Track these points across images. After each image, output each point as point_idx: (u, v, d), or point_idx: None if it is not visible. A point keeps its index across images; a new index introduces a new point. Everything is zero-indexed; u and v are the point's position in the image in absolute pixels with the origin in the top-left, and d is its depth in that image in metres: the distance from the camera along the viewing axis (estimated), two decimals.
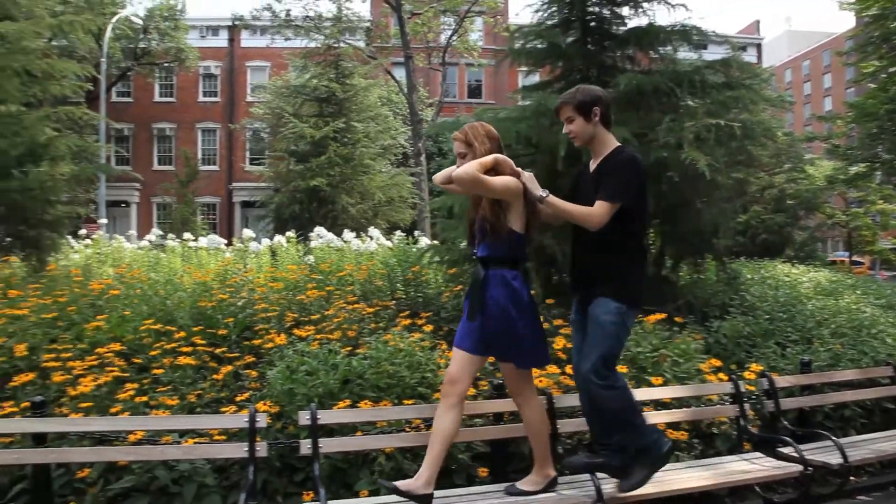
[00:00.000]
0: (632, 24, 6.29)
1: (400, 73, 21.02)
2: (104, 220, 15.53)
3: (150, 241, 9.70)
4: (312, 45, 19.20)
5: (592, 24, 6.27)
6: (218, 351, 4.35)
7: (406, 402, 3.68)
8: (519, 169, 3.27)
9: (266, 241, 8.53)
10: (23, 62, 7.19)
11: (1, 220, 7.20)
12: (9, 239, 7.68)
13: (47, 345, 4.32)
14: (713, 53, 6.76)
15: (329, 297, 5.32)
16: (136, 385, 3.71)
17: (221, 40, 34.47)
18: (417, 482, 3.06)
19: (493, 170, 3.20)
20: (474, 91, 35.26)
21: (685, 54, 6.48)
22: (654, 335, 4.57)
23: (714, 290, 6.34)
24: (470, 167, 3.12)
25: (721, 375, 4.37)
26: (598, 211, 3.17)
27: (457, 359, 3.24)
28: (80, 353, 4.20)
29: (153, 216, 32.23)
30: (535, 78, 7.13)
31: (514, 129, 5.35)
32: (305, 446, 3.18)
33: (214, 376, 3.98)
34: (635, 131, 5.20)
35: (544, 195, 3.18)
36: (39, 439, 3.17)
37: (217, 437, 3.46)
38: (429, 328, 4.51)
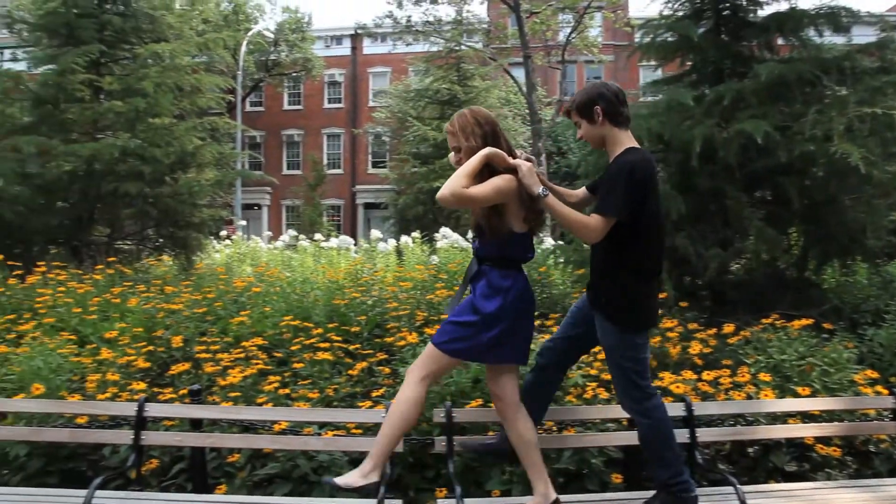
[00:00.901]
0: (770, 9, 5.93)
1: (518, 73, 20.98)
2: (243, 222, 16.56)
3: (283, 242, 10.25)
4: (434, 49, 19.53)
5: (726, 12, 5.97)
6: (351, 347, 4.52)
7: None
8: (517, 161, 2.92)
9: (392, 242, 8.77)
10: (175, 79, 7.83)
11: (155, 222, 7.86)
12: (161, 240, 8.38)
13: (198, 337, 4.66)
14: (861, 35, 6.23)
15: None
16: (278, 378, 3.91)
17: (345, 49, 35.83)
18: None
19: (487, 166, 2.88)
20: None
21: (829, 38, 6.02)
22: (800, 342, 4.26)
23: (865, 295, 5.83)
24: (454, 183, 2.79)
25: (879, 388, 4.00)
26: (594, 224, 2.85)
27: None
28: (226, 346, 4.50)
29: (283, 218, 34.05)
30: (659, 73, 6.88)
31: (645, 125, 5.18)
32: (440, 443, 3.23)
33: (349, 372, 4.13)
34: (777, 124, 4.90)
35: (543, 194, 2.86)
36: (196, 424, 3.43)
37: (354, 431, 3.58)
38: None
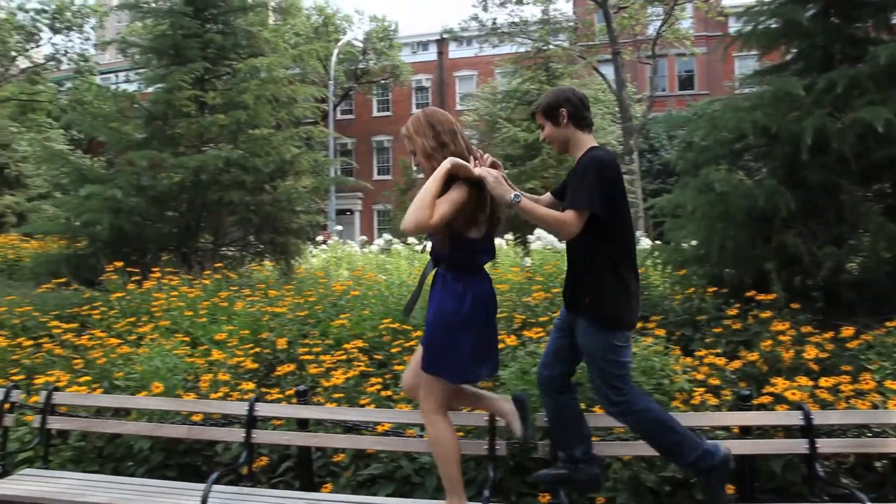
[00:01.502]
0: None
1: (607, 71, 20.56)
2: (339, 227, 17.03)
3: (377, 246, 10.45)
4: (520, 49, 19.43)
5: None
6: None
7: None
8: (482, 171, 2.87)
9: None
10: (272, 90, 8.15)
11: (256, 228, 8.20)
12: (262, 245, 8.74)
13: (301, 339, 4.81)
14: None
15: (555, 300, 5.31)
16: (379, 379, 3.98)
17: (431, 54, 36.28)
18: None
19: (452, 177, 2.83)
20: (685, 82, 33.32)
21: None
22: None
23: None
24: (416, 216, 2.75)
25: None
26: (569, 219, 2.84)
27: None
28: (327, 348, 4.62)
29: (374, 222, 34.81)
30: (755, 63, 6.55)
31: (749, 118, 4.94)
32: (543, 448, 3.19)
33: None
34: None
35: (516, 200, 2.86)
36: (303, 424, 3.54)
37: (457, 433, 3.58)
38: (660, 332, 4.31)
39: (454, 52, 35.10)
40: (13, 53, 33.40)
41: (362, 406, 3.77)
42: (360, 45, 31.63)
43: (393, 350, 4.42)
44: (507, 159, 18.43)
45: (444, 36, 34.30)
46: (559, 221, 2.88)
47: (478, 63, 32.76)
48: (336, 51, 27.01)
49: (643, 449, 3.23)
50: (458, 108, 33.67)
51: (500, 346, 4.38)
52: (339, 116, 34.06)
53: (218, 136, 8.16)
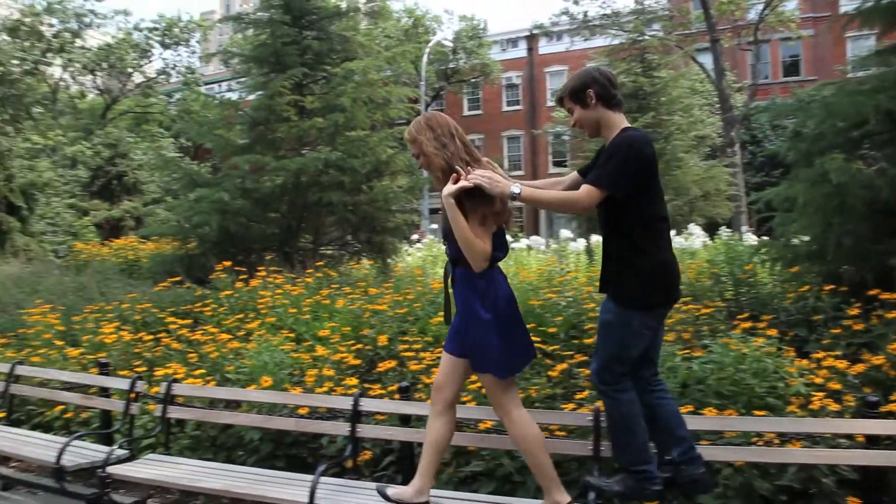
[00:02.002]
0: None
1: (705, 60, 19.74)
2: (434, 226, 17.19)
3: None
4: (614, 42, 18.94)
5: None
6: (549, 348, 4.48)
7: (756, 412, 3.36)
8: (473, 178, 2.81)
9: (582, 241, 8.62)
10: (368, 93, 8.34)
11: (354, 228, 8.41)
12: (359, 245, 8.95)
13: (400, 336, 4.89)
14: None
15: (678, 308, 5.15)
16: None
17: (521, 51, 36.06)
18: (409, 490, 3.00)
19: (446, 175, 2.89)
20: (790, 68, 31.51)
21: None
22: None
23: None
24: (477, 251, 2.83)
25: None
26: (582, 195, 2.80)
27: (442, 363, 3.07)
28: (426, 345, 4.67)
29: None
30: (873, 43, 6.09)
31: (871, 102, 4.60)
32: None
33: (549, 373, 4.09)
34: None
35: (517, 192, 2.82)
36: (405, 420, 3.59)
37: (556, 433, 3.53)
38: (772, 332, 4.09)
39: (544, 47, 34.74)
40: (129, 70, 35.81)
41: (463, 403, 3.77)
42: (450, 44, 31.85)
43: None
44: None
45: (534, 32, 34.01)
46: (569, 200, 2.91)
47: (569, 58, 32.26)
48: (427, 51, 27.33)
49: (756, 454, 3.09)
50: (550, 104, 33.29)
51: None
52: None
53: (317, 138, 8.42)
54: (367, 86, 8.41)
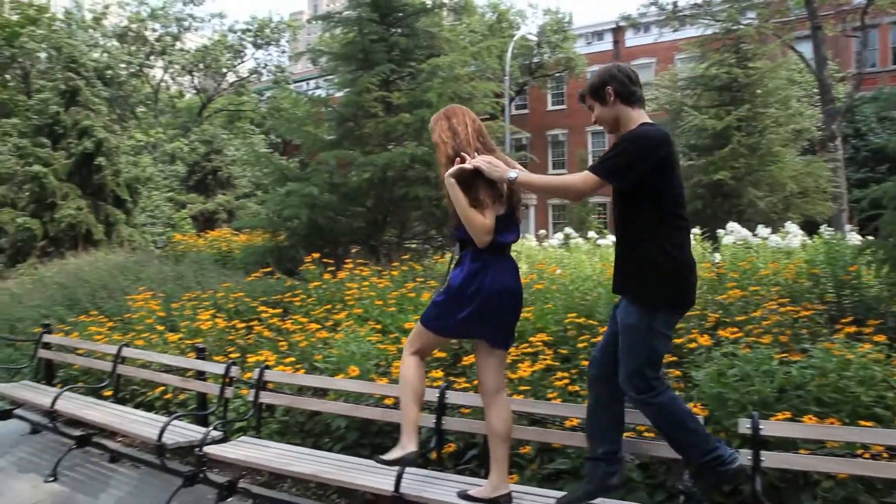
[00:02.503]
0: None
1: (805, 49, 18.68)
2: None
3: (557, 240, 10.38)
4: (707, 32, 18.15)
5: None
6: None
7: (862, 423, 3.17)
8: (475, 162, 2.99)
9: None
10: (454, 88, 8.36)
11: (439, 222, 8.49)
12: (442, 239, 9.02)
13: None
14: None
15: (751, 298, 4.94)
16: (566, 374, 3.94)
17: (606, 44, 35.31)
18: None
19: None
20: None
21: None
22: None
23: None
24: (479, 227, 2.99)
25: None
26: (577, 180, 2.86)
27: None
28: None
29: (549, 217, 34.63)
30: None
31: None
32: (745, 457, 2.96)
33: None
34: None
35: (513, 177, 2.94)
36: None
37: (645, 434, 3.45)
38: (880, 338, 3.84)
39: (631, 40, 33.88)
40: (224, 70, 37.42)
41: (548, 399, 3.74)
42: (535, 39, 31.55)
43: (579, 345, 4.34)
44: (693, 149, 17.23)
45: (621, 24, 33.17)
46: (564, 184, 2.96)
47: (656, 50, 31.34)
48: (511, 46, 27.18)
49: (862, 467, 2.91)
50: None
51: (693, 345, 4.19)
52: (513, 112, 34.25)
53: (403, 134, 8.53)
54: (454, 81, 8.44)
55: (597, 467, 3.01)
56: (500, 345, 3.19)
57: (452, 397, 3.64)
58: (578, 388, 3.84)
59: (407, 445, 3.10)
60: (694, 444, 2.85)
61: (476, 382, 4.01)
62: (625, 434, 3.18)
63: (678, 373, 4.01)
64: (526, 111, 36.79)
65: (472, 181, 3.01)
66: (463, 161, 3.04)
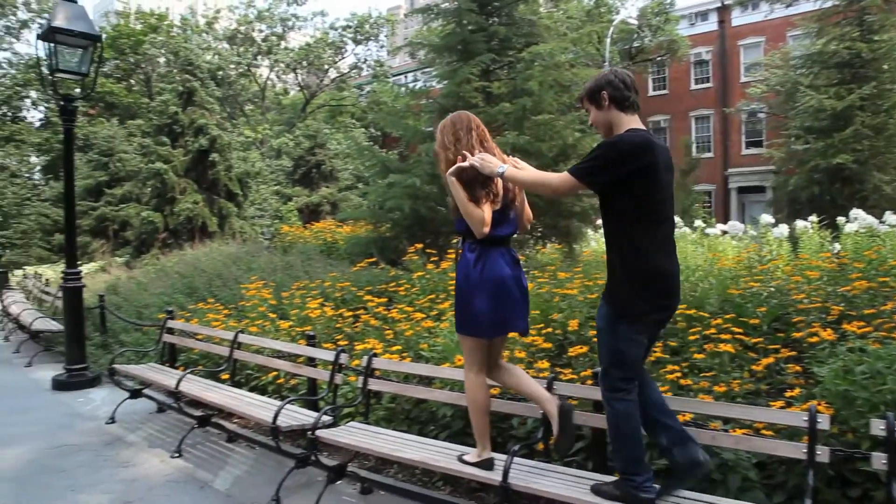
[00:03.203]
0: None
1: None
2: None
3: None
4: (827, 4, 16.85)
5: None
6: (752, 341, 4.17)
7: None
8: (471, 160, 3.21)
9: (784, 228, 7.89)
10: (555, 76, 8.23)
11: (540, 212, 8.39)
12: (543, 229, 8.92)
13: (590, 321, 4.80)
14: None
15: (879, 290, 4.60)
16: (675, 367, 3.81)
17: (711, 24, 33.69)
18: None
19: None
20: None
21: None
22: None
23: None
24: (477, 220, 3.23)
25: None
26: (556, 179, 3.04)
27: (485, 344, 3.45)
28: None
29: None
30: None
31: None
32: (878, 461, 2.76)
33: (753, 367, 3.82)
34: None
35: (500, 172, 3.14)
36: (598, 406, 3.52)
37: (763, 431, 3.29)
38: None
39: (737, 18, 32.17)
40: (326, 66, 38.62)
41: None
42: (635, 22, 30.57)
43: (690, 337, 4.19)
44: (810, 132, 16.05)
45: (727, 2, 31.63)
46: (542, 180, 3.11)
47: (766, 28, 29.63)
48: (610, 31, 26.49)
49: None
50: (744, 79, 30.84)
51: (814, 339, 3.95)
52: None
53: (503, 124, 8.49)
54: (554, 69, 8.31)
55: (670, 456, 3.04)
56: (524, 331, 3.48)
57: (560, 388, 3.60)
58: (691, 381, 3.70)
59: (482, 453, 3.44)
60: (624, 457, 3.02)
61: (585, 373, 3.97)
62: (739, 431, 3.09)
63: (798, 368, 3.79)
64: None
65: (470, 178, 3.26)
66: (463, 160, 3.27)
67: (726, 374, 3.79)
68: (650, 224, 2.92)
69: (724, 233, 9.52)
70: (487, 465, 3.41)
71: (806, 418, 2.89)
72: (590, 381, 3.69)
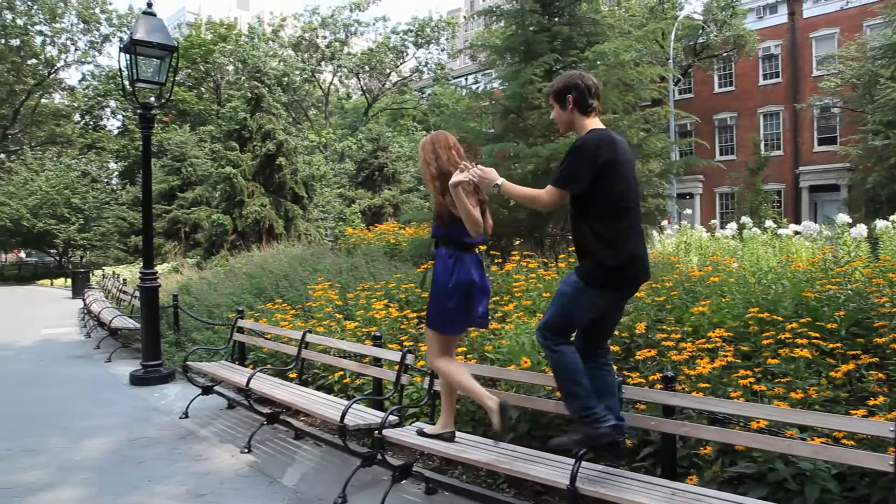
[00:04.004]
0: None
1: None
2: (688, 211, 16.24)
3: (730, 230, 9.75)
4: None
5: None
6: (829, 346, 4.01)
7: None
8: (470, 174, 3.47)
9: (861, 228, 7.54)
10: (619, 75, 8.11)
11: None
12: None
13: (657, 325, 4.72)
14: None
15: None
16: (748, 372, 3.70)
17: (780, 17, 32.46)
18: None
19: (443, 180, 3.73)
20: None
21: None
22: None
23: None
24: (474, 223, 3.62)
25: None
26: (542, 193, 3.27)
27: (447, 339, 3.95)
28: (684, 335, 4.45)
29: (716, 206, 32.66)
30: None
31: None
32: None
33: (831, 373, 3.67)
34: None
35: (497, 185, 3.40)
36: (668, 411, 3.46)
37: (843, 441, 3.16)
38: None
39: (809, 9, 30.92)
40: (387, 70, 39.11)
41: (732, 399, 3.53)
42: (700, 17, 29.76)
43: (763, 342, 4.06)
44: (891, 126, 15.20)
45: None
46: (533, 196, 3.33)
47: (840, 18, 28.42)
48: (674, 27, 25.87)
49: None
50: (816, 73, 29.63)
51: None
52: (676, 96, 32.57)
53: None
54: (619, 68, 8.17)
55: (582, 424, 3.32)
56: (486, 325, 4.06)
57: (628, 392, 3.55)
58: (764, 387, 3.59)
59: (447, 425, 4.00)
60: (580, 396, 3.26)
61: (653, 378, 3.91)
62: (818, 440, 2.93)
63: (881, 375, 3.62)
64: (690, 95, 34.83)
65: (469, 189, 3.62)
66: (464, 169, 3.56)
67: (802, 380, 3.66)
68: (618, 211, 3.23)
69: (797, 233, 9.19)
70: (450, 437, 3.97)
71: (892, 428, 2.76)
72: (658, 386, 3.62)
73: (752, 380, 3.58)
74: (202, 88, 45.49)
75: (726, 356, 3.89)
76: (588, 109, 3.32)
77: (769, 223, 9.50)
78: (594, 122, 3.33)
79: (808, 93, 28.96)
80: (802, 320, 4.27)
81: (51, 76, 44.52)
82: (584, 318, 3.33)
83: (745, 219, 9.98)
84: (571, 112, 3.34)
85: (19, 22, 41.30)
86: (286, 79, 34.71)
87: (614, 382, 3.45)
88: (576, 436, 3.27)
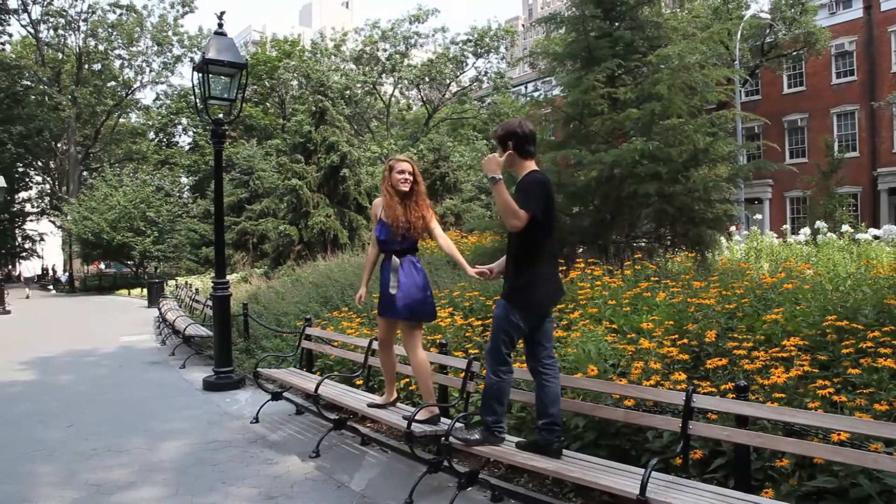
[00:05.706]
0: None
1: None
2: (758, 216, 15.77)
3: (804, 236, 9.40)
4: None
5: None
6: None
7: None
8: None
9: None
10: (684, 78, 7.94)
11: (671, 220, 8.10)
12: (673, 237, 8.62)
13: (728, 333, 4.59)
14: None
15: None
16: (826, 382, 3.57)
17: (855, 11, 31.16)
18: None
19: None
20: None
21: None
22: None
23: None
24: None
25: None
26: (521, 213, 3.64)
27: (381, 325, 4.97)
28: (756, 344, 4.32)
29: (786, 211, 31.48)
30: None
31: None
32: None
33: None
34: None
35: (495, 178, 3.70)
36: (741, 421, 3.36)
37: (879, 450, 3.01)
38: None
39: (887, 2, 29.55)
40: (447, 81, 39.41)
41: (811, 409, 3.41)
42: (768, 16, 28.84)
43: (843, 351, 3.91)
44: None
45: None
46: (514, 210, 3.63)
47: None
48: (740, 28, 25.19)
49: None
50: (895, 69, 28.26)
51: None
52: (743, 98, 31.64)
53: (630, 130, 8.29)
54: (684, 71, 8.01)
55: (539, 435, 3.92)
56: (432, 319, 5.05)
57: (700, 401, 3.47)
58: (845, 398, 3.45)
59: (433, 409, 4.73)
60: (497, 414, 4.00)
61: (725, 387, 3.81)
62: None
63: None
64: (758, 97, 33.77)
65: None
66: (390, 192, 4.78)
67: (886, 391, 3.50)
68: (545, 239, 3.82)
69: (876, 238, 8.79)
70: (436, 420, 4.60)
71: None
72: (730, 395, 3.54)
73: (830, 390, 3.45)
74: (268, 104, 46.91)
75: (802, 366, 3.76)
76: (526, 154, 3.87)
77: (846, 227, 9.11)
78: (532, 164, 3.89)
79: (886, 90, 27.67)
80: (886, 329, 4.08)
81: (128, 97, 46.86)
82: (518, 335, 3.93)
83: (819, 223, 9.58)
84: (512, 156, 3.85)
85: (101, 48, 43.69)
86: (348, 92, 35.40)
87: (557, 392, 3.95)
88: (478, 435, 4.04)
